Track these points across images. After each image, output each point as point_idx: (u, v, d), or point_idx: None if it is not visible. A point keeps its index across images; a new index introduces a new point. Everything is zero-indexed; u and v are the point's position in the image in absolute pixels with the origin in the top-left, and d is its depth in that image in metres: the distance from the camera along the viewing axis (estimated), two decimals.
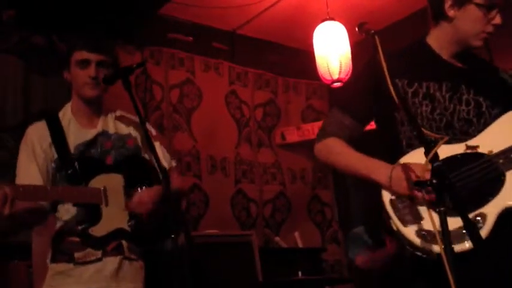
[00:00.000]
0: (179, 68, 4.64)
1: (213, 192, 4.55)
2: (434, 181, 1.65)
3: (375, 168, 1.97)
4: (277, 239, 4.63)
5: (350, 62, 4.28)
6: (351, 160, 2.06)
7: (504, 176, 1.88)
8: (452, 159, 1.92)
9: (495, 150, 1.93)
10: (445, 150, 1.83)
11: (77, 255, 2.32)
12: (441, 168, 1.68)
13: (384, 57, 1.86)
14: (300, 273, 3.88)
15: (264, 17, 4.76)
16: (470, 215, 1.78)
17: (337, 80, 4.26)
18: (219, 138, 4.71)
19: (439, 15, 2.10)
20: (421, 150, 1.91)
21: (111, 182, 2.38)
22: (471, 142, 1.97)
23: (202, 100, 4.70)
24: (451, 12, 2.05)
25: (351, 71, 4.25)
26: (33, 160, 2.38)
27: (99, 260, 2.32)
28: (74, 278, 2.30)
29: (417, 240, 1.82)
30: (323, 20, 4.33)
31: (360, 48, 4.23)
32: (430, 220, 1.77)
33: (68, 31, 3.86)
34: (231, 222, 4.59)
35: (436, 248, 1.76)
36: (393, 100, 1.98)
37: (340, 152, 2.10)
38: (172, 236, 2.06)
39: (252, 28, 4.95)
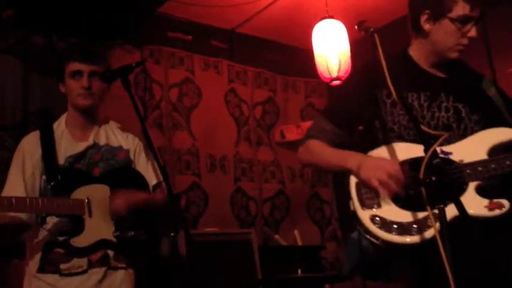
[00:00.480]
0: (179, 67, 4.64)
1: (212, 191, 4.55)
2: (433, 178, 1.69)
3: (348, 157, 2.07)
4: (276, 237, 4.64)
5: (349, 60, 4.28)
6: (327, 155, 2.17)
7: (467, 185, 1.96)
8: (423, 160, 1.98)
9: (465, 161, 2.00)
10: (420, 151, 1.86)
11: (62, 266, 2.34)
12: (440, 166, 1.70)
13: (384, 56, 1.89)
14: (299, 271, 3.89)
15: (262, 15, 4.75)
16: (424, 214, 1.88)
17: (336, 78, 4.26)
18: (218, 137, 4.72)
19: (416, 29, 2.17)
20: (404, 144, 2.06)
21: (96, 193, 2.39)
22: (446, 148, 2.04)
23: (201, 99, 4.70)
24: (426, 26, 2.12)
25: (350, 69, 4.25)
26: (20, 173, 2.42)
27: (84, 271, 2.34)
28: None
29: (369, 225, 1.95)
30: (322, 18, 4.33)
31: (359, 46, 4.23)
32: (389, 210, 1.92)
33: (67, 31, 3.87)
34: (231, 220, 4.59)
35: (382, 235, 1.91)
36: (375, 106, 2.12)
37: (317, 151, 2.19)
38: (172, 234, 2.07)
39: (251, 26, 4.95)
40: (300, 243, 4.60)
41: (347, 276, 3.77)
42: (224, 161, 4.71)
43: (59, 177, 2.37)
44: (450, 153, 2.03)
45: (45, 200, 2.30)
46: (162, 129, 4.41)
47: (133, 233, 2.39)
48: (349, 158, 2.06)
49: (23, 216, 2.35)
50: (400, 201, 1.95)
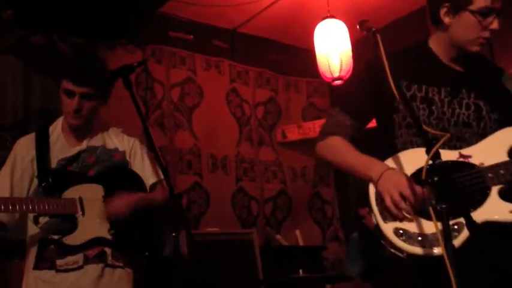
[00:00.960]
0: (180, 66, 4.63)
1: (213, 191, 4.54)
2: (435, 178, 1.66)
3: (370, 165, 1.99)
4: (278, 237, 4.63)
5: (351, 60, 4.28)
6: (348, 157, 2.08)
7: (490, 190, 1.90)
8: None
9: (486, 164, 1.94)
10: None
11: (58, 262, 2.35)
12: (442, 166, 1.68)
13: (385, 55, 1.86)
14: (300, 271, 3.88)
15: (264, 15, 4.75)
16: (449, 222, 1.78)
17: (338, 78, 4.25)
18: (220, 137, 4.71)
19: (436, 22, 2.11)
20: (416, 150, 1.97)
21: (89, 192, 2.40)
22: (465, 151, 1.98)
23: (203, 98, 4.70)
24: (446, 20, 2.06)
25: (351, 69, 4.25)
26: (9, 175, 2.44)
27: (80, 267, 2.34)
28: (55, 285, 2.33)
29: (393, 238, 1.86)
30: (324, 18, 4.32)
31: (361, 46, 4.22)
32: (414, 221, 1.85)
33: (68, 31, 3.86)
34: (232, 220, 4.58)
35: (408, 248, 1.83)
36: (393, 102, 2.03)
37: (338, 150, 2.12)
38: (174, 234, 2.07)
39: (253, 26, 4.94)
40: (301, 243, 4.59)
41: (348, 276, 3.76)
42: (226, 161, 4.70)
43: (50, 179, 2.39)
44: (470, 157, 1.97)
45: (34, 200, 2.31)
46: (163, 129, 4.40)
47: (130, 230, 2.39)
48: (372, 166, 1.97)
49: (4, 219, 2.36)
50: (423, 212, 1.87)
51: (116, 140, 2.62)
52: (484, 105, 2.06)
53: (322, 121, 2.32)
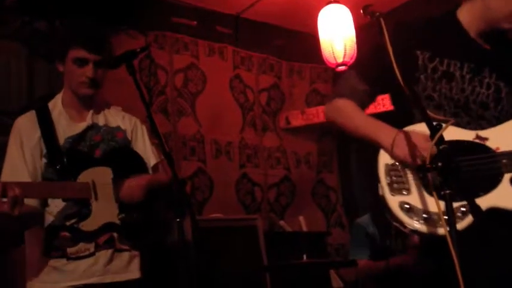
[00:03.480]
0: (183, 52, 4.62)
1: (217, 177, 4.55)
2: (439, 164, 1.64)
3: (380, 130, 1.95)
4: (281, 223, 4.64)
5: (355, 46, 4.26)
6: (359, 122, 2.03)
7: (502, 176, 1.86)
8: (458, 144, 1.90)
9: (502, 149, 1.89)
10: (454, 133, 1.80)
11: (69, 250, 2.32)
12: (447, 151, 1.66)
13: (389, 39, 1.83)
14: (304, 256, 3.90)
15: (267, 0, 4.71)
16: (456, 204, 1.76)
17: (342, 64, 4.24)
18: (223, 123, 4.71)
19: None
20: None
21: (99, 176, 2.37)
22: (482, 133, 1.93)
23: (206, 84, 4.69)
24: None
25: (355, 55, 4.23)
26: (21, 157, 2.35)
27: (92, 254, 2.32)
28: (67, 274, 2.30)
29: (398, 211, 1.83)
30: (327, 3, 4.30)
31: (365, 32, 4.20)
32: (420, 197, 1.82)
33: (70, 16, 3.84)
34: (236, 206, 4.60)
35: (410, 223, 1.80)
36: (414, 72, 1.97)
37: (349, 114, 2.06)
38: (178, 220, 2.06)
39: (256, 12, 4.91)
40: (305, 229, 4.61)
41: (352, 261, 3.77)
42: (229, 147, 4.70)
43: (65, 161, 2.33)
44: (486, 139, 1.92)
45: (51, 184, 2.27)
46: (167, 115, 4.40)
47: (137, 214, 2.39)
48: (382, 131, 1.93)
49: (34, 203, 2.31)
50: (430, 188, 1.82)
51: (117, 117, 2.58)
52: (504, 86, 2.00)
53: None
